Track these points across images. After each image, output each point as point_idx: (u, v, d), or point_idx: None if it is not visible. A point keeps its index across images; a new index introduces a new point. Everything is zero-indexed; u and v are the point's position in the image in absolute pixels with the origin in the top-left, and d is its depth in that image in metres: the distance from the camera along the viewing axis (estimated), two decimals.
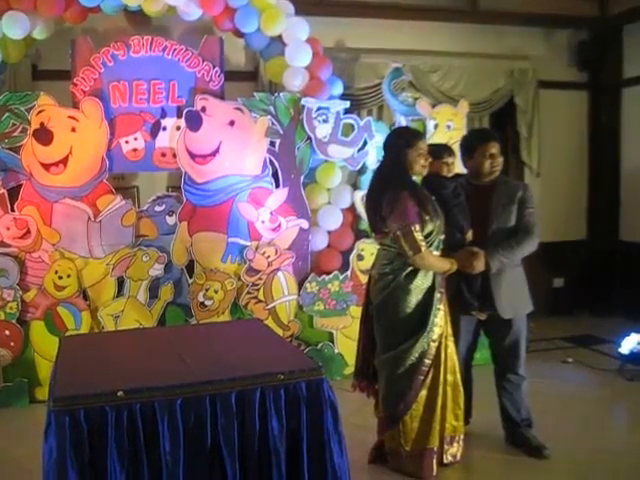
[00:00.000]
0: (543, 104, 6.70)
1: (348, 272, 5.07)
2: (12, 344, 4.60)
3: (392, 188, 3.37)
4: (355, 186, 5.20)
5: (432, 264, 3.40)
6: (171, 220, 4.88)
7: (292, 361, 2.78)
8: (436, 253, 3.44)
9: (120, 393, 2.45)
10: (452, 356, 3.53)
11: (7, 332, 4.59)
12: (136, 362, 2.90)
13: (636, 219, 6.82)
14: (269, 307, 4.97)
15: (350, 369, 4.41)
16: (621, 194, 7.01)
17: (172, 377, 2.62)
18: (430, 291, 3.41)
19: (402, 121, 5.30)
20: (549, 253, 6.31)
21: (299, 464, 2.60)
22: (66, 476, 2.38)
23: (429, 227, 3.36)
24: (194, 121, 4.80)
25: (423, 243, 3.31)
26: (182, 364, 2.82)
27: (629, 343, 5.12)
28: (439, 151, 3.81)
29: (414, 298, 3.39)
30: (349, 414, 4.00)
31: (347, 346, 4.84)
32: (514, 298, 3.72)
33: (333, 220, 5.11)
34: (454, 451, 3.61)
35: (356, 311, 4.72)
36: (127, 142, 4.85)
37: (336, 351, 5.04)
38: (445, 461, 3.58)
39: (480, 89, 6.38)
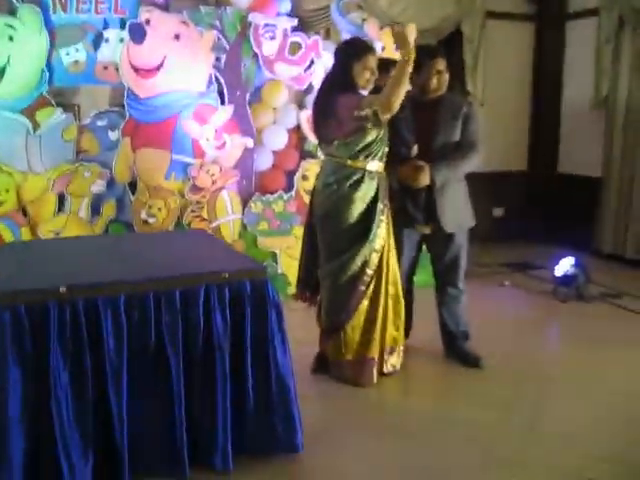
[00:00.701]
0: (490, 34, 6.72)
1: (292, 192, 5.08)
2: None
3: (341, 94, 3.37)
4: (301, 106, 5.17)
5: (399, 87, 3.21)
6: (113, 135, 4.76)
7: (236, 262, 2.80)
8: (380, 164, 3.47)
9: (62, 289, 2.43)
10: (393, 268, 3.60)
11: None
12: (79, 263, 2.87)
13: (573, 152, 6.99)
14: (213, 226, 4.95)
15: (292, 289, 4.45)
16: (561, 127, 7.15)
17: (116, 275, 2.61)
18: (373, 202, 3.45)
19: None
20: (490, 182, 6.45)
21: (243, 361, 2.65)
22: (7, 371, 2.37)
23: (374, 134, 3.38)
24: (138, 33, 4.65)
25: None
26: (126, 264, 2.82)
27: (562, 266, 5.31)
28: (387, 65, 3.79)
29: (357, 208, 3.42)
30: (293, 328, 4.04)
31: (290, 266, 4.88)
32: (457, 212, 3.80)
33: (278, 140, 5.08)
34: (394, 361, 3.71)
35: (299, 231, 4.73)
36: (68, 54, 4.67)
37: (279, 271, 5.08)
38: (385, 371, 3.68)
39: (428, 16, 6.33)
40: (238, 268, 2.68)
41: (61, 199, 4.71)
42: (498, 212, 7.22)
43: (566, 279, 5.28)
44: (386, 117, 3.31)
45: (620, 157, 6.36)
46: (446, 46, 6.56)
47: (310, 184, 4.83)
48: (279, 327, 2.69)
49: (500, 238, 6.93)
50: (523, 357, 4.05)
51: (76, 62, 4.68)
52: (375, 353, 3.57)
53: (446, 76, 3.75)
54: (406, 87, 3.25)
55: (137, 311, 2.52)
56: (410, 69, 3.21)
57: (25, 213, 4.68)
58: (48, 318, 2.41)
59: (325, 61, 4.90)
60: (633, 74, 6.19)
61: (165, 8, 4.80)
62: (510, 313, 4.96)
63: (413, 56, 3.19)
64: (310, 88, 5.09)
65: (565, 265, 5.33)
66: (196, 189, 4.88)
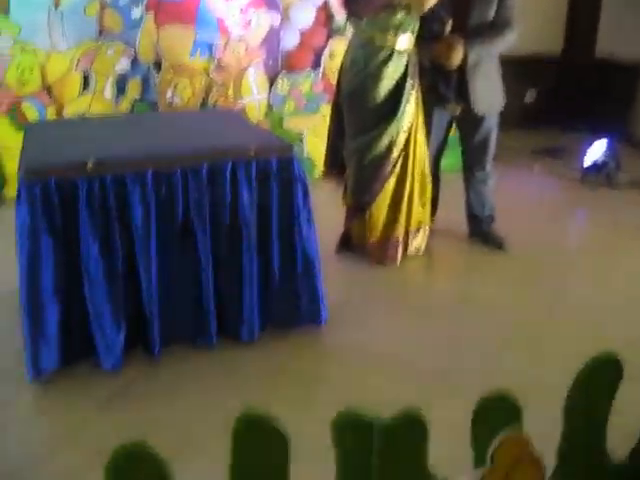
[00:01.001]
0: None
1: (320, 71, 4.97)
2: None
3: None
4: None
5: None
6: (137, 12, 4.65)
7: (263, 139, 2.78)
8: (411, 39, 3.37)
9: (90, 163, 2.44)
10: (421, 148, 3.56)
11: None
12: (106, 140, 2.86)
13: (612, 35, 6.69)
14: (238, 106, 4.88)
15: (319, 172, 4.43)
16: (602, 6, 6.82)
17: (143, 151, 2.61)
18: (402, 79, 3.37)
19: None
20: (523, 66, 6.24)
21: (269, 236, 2.68)
22: (40, 242, 2.42)
23: (404, 10, 3.26)
24: None
25: None
26: (154, 141, 2.81)
27: (593, 152, 5.22)
28: None
29: (385, 86, 3.35)
30: (317, 209, 4.08)
31: (317, 148, 4.83)
32: (489, 93, 3.71)
33: (305, 17, 4.92)
34: (418, 242, 3.73)
35: (327, 110, 4.65)
36: None
37: (305, 154, 5.05)
38: (409, 251, 3.71)
39: None
40: (265, 145, 2.66)
41: (85, 78, 4.67)
42: (530, 96, 7.02)
43: (596, 165, 5.20)
44: (418, 14, 3.20)
45: None
46: None
47: (338, 63, 4.74)
48: (305, 204, 2.71)
49: (532, 123, 6.78)
50: (546, 242, 4.05)
51: None
52: (400, 233, 3.59)
53: None
54: None
55: (164, 186, 2.54)
56: None
57: (50, 93, 4.65)
58: (77, 192, 2.44)
59: None
60: None
61: None
62: (537, 198, 4.92)
63: None
64: None
65: (596, 150, 5.23)
66: (221, 68, 4.79)
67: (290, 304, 2.79)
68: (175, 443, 2.12)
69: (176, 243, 2.61)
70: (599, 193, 5.04)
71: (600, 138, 5.37)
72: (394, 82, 3.36)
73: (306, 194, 2.71)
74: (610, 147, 5.22)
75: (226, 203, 2.59)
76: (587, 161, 5.26)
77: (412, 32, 3.36)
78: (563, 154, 6.04)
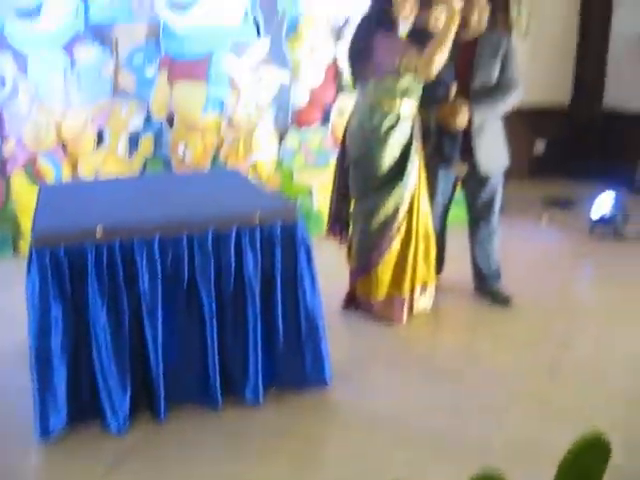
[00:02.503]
0: None
1: (329, 126, 5.07)
2: None
3: (379, 34, 3.33)
4: (338, 39, 5.09)
5: (437, 59, 3.29)
6: (150, 72, 4.79)
7: (268, 204, 2.84)
8: (415, 104, 3.44)
9: (99, 231, 2.51)
10: (425, 207, 3.61)
11: None
12: (115, 205, 2.94)
13: (620, 86, 6.77)
14: (249, 161, 4.99)
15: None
16: (608, 59, 6.92)
17: (150, 217, 2.68)
18: (408, 144, 3.44)
19: None
20: (532, 117, 6.34)
21: (273, 301, 2.72)
22: (49, 309, 2.49)
23: (409, 77, 3.34)
24: None
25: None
26: (161, 206, 2.88)
27: (601, 204, 5.24)
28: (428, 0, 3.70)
29: (392, 151, 3.42)
30: (325, 264, 4.12)
31: (326, 203, 4.83)
32: (494, 152, 3.78)
33: (315, 74, 5.04)
34: (425, 300, 3.76)
35: None
36: None
37: (315, 208, 5.12)
38: (415, 309, 3.74)
39: None
40: (269, 210, 2.72)
41: (100, 135, 4.80)
42: (539, 147, 7.09)
43: (604, 217, 5.22)
44: (423, 80, 3.29)
45: None
46: None
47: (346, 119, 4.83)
48: (309, 267, 2.75)
49: (540, 174, 6.86)
50: (554, 296, 4.07)
51: None
52: (406, 292, 3.62)
53: (487, 13, 3.67)
54: (448, 50, 3.26)
55: (171, 252, 2.60)
56: (454, 29, 3.24)
57: (65, 149, 4.77)
58: (86, 259, 2.51)
59: None
60: None
61: None
62: (545, 251, 4.95)
63: (458, 18, 3.23)
64: (347, 22, 5.01)
65: (604, 202, 5.26)
66: (232, 124, 4.90)
67: (295, 366, 2.82)
68: None
69: (182, 307, 2.66)
70: (607, 245, 5.05)
71: (608, 189, 5.40)
72: (400, 147, 3.43)
73: (310, 258, 2.76)
74: (618, 199, 5.24)
75: (231, 268, 2.64)
76: (595, 213, 5.29)
77: (416, 98, 3.44)
78: (571, 205, 6.09)
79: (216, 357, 2.69)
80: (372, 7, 3.47)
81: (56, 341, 2.51)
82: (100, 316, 2.54)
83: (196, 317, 2.67)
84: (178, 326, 2.67)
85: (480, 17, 3.66)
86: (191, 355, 2.71)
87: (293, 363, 2.83)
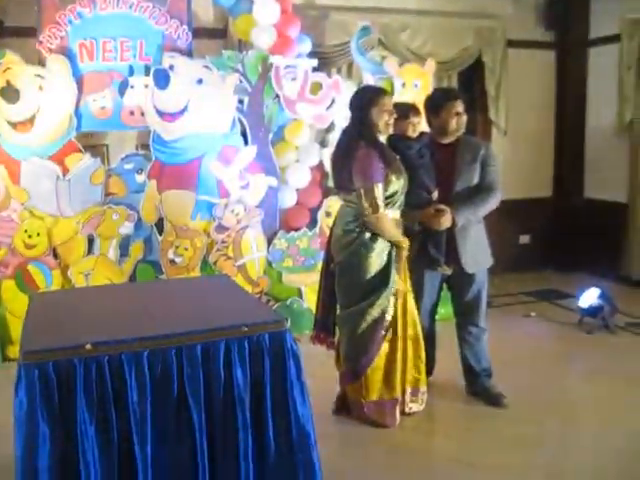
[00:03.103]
0: (511, 63, 6.75)
1: (316, 229, 5.16)
2: None
3: (361, 146, 3.43)
4: (323, 144, 5.26)
5: (386, 229, 3.45)
6: (140, 178, 4.91)
7: (256, 314, 2.86)
8: (397, 212, 3.53)
9: (88, 346, 2.52)
10: (412, 310, 3.65)
11: None
12: (104, 317, 2.95)
13: (600, 177, 6.95)
14: (238, 264, 5.04)
15: None
16: (586, 153, 7.13)
17: (139, 330, 2.69)
18: (391, 250, 3.50)
19: (370, 79, 5.33)
20: (516, 210, 6.46)
21: (263, 412, 2.69)
22: (37, 428, 2.46)
23: (394, 186, 3.44)
24: (162, 79, 4.80)
25: (382, 204, 3.39)
26: (149, 317, 2.89)
27: (588, 297, 5.29)
28: (405, 110, 3.85)
29: (377, 258, 3.47)
30: (316, 366, 4.11)
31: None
32: (477, 253, 3.84)
33: (301, 177, 5.18)
34: (416, 403, 3.74)
35: None
36: (95, 100, 4.83)
37: (305, 306, 5.15)
38: (407, 411, 3.71)
39: (448, 47, 6.41)
40: (257, 321, 2.74)
41: (90, 241, 4.86)
42: (524, 239, 7.21)
43: (592, 309, 5.26)
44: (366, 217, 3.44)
45: None
46: (468, 76, 6.68)
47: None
48: (298, 377, 2.74)
49: (527, 266, 6.94)
50: (547, 394, 4.04)
51: (103, 108, 4.85)
52: (397, 394, 3.61)
53: (464, 118, 3.81)
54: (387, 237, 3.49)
55: (160, 365, 2.59)
56: (400, 244, 3.53)
57: (56, 255, 4.83)
58: (74, 374, 2.50)
59: (346, 99, 4.98)
60: None
61: (188, 54, 4.94)
62: (535, 346, 4.95)
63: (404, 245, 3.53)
64: (332, 126, 5.19)
65: (591, 294, 5.31)
66: (221, 228, 4.98)
67: (286, 478, 2.78)
68: None
69: (171, 421, 2.63)
70: (597, 338, 5.07)
71: (595, 279, 5.47)
72: (385, 254, 3.49)
73: (299, 367, 2.75)
74: (604, 291, 5.29)
75: (220, 380, 2.63)
76: (583, 304, 5.33)
77: (399, 207, 3.53)
78: (559, 297, 6.15)
79: (207, 471, 2.64)
80: (352, 120, 3.59)
81: (43, 461, 2.46)
82: (88, 432, 2.50)
83: (186, 430, 2.63)
84: (167, 440, 2.62)
85: (458, 122, 3.79)
86: (181, 470, 2.65)
87: (285, 474, 2.77)
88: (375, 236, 3.47)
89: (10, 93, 4.59)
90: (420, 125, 3.96)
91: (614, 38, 6.50)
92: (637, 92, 6.33)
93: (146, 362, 2.57)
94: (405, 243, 3.52)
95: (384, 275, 3.48)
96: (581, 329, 5.22)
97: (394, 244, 3.50)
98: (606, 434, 3.53)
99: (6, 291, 4.71)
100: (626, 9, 6.29)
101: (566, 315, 5.57)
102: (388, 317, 3.51)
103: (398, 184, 3.46)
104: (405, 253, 3.52)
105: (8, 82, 4.59)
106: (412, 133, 3.86)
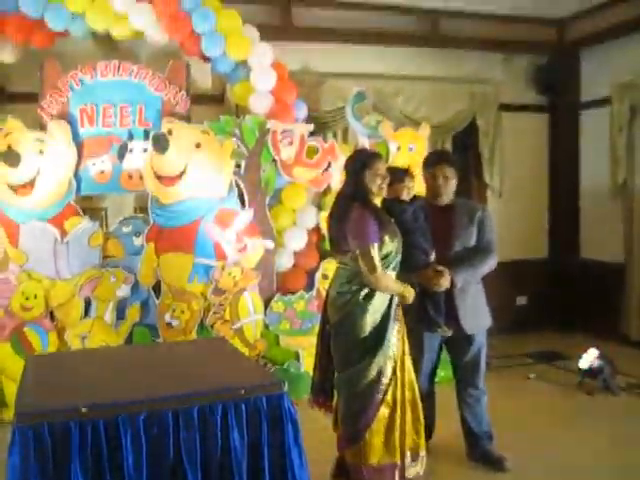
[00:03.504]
0: (504, 126, 6.89)
1: (313, 291, 5.16)
2: None
3: (355, 208, 3.46)
4: (320, 207, 5.30)
5: (387, 286, 3.46)
6: (138, 241, 4.93)
7: (253, 377, 2.85)
8: (392, 274, 3.54)
9: (84, 409, 2.50)
10: (409, 373, 3.61)
11: None
12: (100, 379, 2.94)
13: (595, 237, 7.01)
14: (235, 327, 5.03)
15: None
16: (581, 213, 7.21)
17: (135, 393, 2.68)
18: (387, 311, 3.49)
19: (365, 143, 5.42)
20: (512, 271, 6.49)
21: (260, 476, 2.66)
22: None
23: (388, 247, 3.45)
24: (161, 144, 4.87)
25: (379, 264, 3.40)
26: (146, 380, 2.88)
27: (587, 358, 5.26)
28: (400, 174, 3.88)
29: (371, 317, 3.45)
30: (315, 430, 4.06)
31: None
32: (476, 314, 3.85)
33: (298, 240, 5.21)
34: (416, 467, 3.66)
35: None
36: (94, 164, 4.91)
37: (302, 370, 5.11)
38: (408, 476, 3.64)
39: (442, 111, 6.55)
40: (255, 384, 2.73)
41: (87, 303, 4.85)
42: (521, 300, 7.21)
43: (591, 371, 5.22)
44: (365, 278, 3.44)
45: None
46: (462, 140, 6.79)
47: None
48: (295, 441, 2.71)
49: (524, 327, 6.92)
50: (549, 457, 3.99)
51: (102, 172, 4.92)
52: (396, 459, 3.54)
53: (452, 181, 3.85)
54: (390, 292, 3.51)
55: (156, 428, 2.57)
56: (404, 295, 3.54)
57: (52, 318, 4.81)
58: (70, 437, 2.47)
59: (341, 163, 5.05)
60: None
61: (187, 119, 5.03)
62: (535, 408, 4.89)
63: (409, 293, 3.53)
64: (328, 189, 5.24)
65: (590, 355, 5.28)
66: (218, 291, 4.98)
67: None
68: None
69: None
70: (597, 399, 5.03)
71: (593, 339, 5.44)
72: (380, 314, 3.48)
73: (296, 429, 2.73)
74: (602, 352, 5.27)
75: (217, 443, 2.61)
76: (582, 365, 5.29)
77: (394, 268, 3.54)
78: (558, 358, 6.11)
79: None
80: (346, 182, 3.64)
81: None
82: None
83: None
84: None
85: (445, 186, 3.83)
86: None
87: None
88: (369, 297, 3.46)
89: (11, 157, 4.66)
90: (414, 189, 3.99)
91: (605, 101, 6.65)
92: (629, 153, 6.44)
93: (142, 425, 2.55)
94: (410, 292, 3.53)
95: (379, 335, 3.46)
96: (581, 390, 5.18)
97: (399, 297, 3.53)
98: None
99: (2, 354, 4.68)
100: (616, 73, 6.46)
101: (566, 376, 5.53)
102: (385, 380, 3.48)
103: (392, 245, 3.48)
104: (412, 300, 3.55)
105: (9, 146, 4.67)
106: (406, 197, 3.89)
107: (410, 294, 3.54)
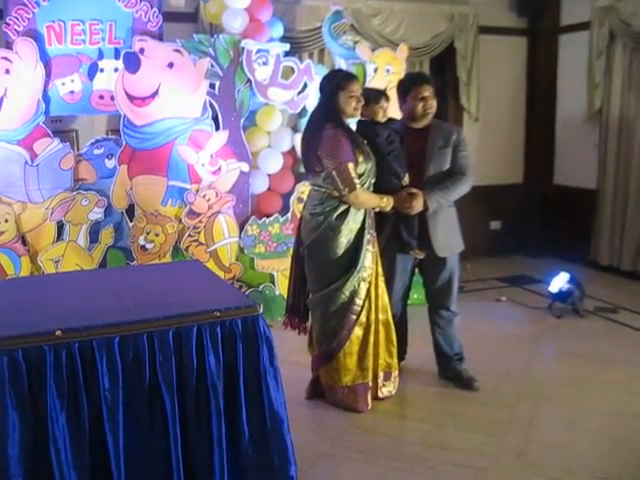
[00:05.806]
0: (483, 49, 6.78)
1: (289, 214, 5.15)
2: None
3: (327, 128, 3.43)
4: (295, 129, 5.23)
5: (366, 201, 3.48)
6: (110, 163, 4.84)
7: (228, 299, 2.84)
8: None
9: (58, 332, 2.48)
10: (383, 295, 3.66)
11: None
12: (74, 302, 2.92)
13: (568, 165, 7.03)
14: (210, 250, 5.01)
15: None
16: (556, 139, 7.19)
17: (110, 316, 2.66)
18: (360, 232, 3.51)
19: (342, 64, 5.31)
20: (487, 196, 6.51)
21: (236, 398, 2.69)
22: (6, 415, 2.42)
23: (362, 167, 3.44)
24: (132, 63, 4.72)
25: (357, 180, 3.39)
26: (120, 303, 2.86)
27: (558, 282, 5.35)
28: (375, 95, 3.84)
29: (344, 238, 3.48)
30: (290, 352, 4.14)
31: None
32: (449, 237, 3.87)
33: (273, 163, 5.15)
34: (389, 387, 3.77)
35: None
36: (64, 84, 4.75)
37: (277, 292, 5.14)
38: (380, 395, 3.74)
39: (421, 33, 6.42)
40: (230, 306, 2.71)
41: (60, 227, 4.79)
42: (495, 225, 7.26)
43: (561, 294, 5.33)
44: (344, 197, 3.43)
45: (614, 169, 6.41)
46: (440, 63, 6.69)
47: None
48: (271, 363, 2.73)
49: (498, 251, 7.01)
50: (517, 377, 4.11)
51: (72, 92, 4.77)
52: (368, 379, 3.63)
53: (433, 102, 3.80)
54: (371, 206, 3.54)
55: (131, 351, 2.56)
56: (383, 207, 3.59)
57: (24, 242, 4.75)
58: (45, 361, 2.46)
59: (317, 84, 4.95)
60: (625, 88, 6.24)
61: (159, 37, 4.87)
62: (505, 330, 5.00)
63: (388, 204, 3.60)
64: (304, 111, 5.15)
65: (561, 279, 5.37)
66: (193, 214, 4.94)
67: (260, 464, 2.76)
68: None
69: (143, 407, 2.60)
70: (566, 322, 5.15)
71: (564, 263, 5.52)
72: (353, 235, 3.49)
73: (272, 352, 2.75)
74: (574, 276, 5.36)
75: (193, 366, 2.62)
76: (553, 289, 5.40)
77: (367, 189, 3.52)
78: (529, 281, 6.21)
79: (180, 458, 2.62)
80: (320, 103, 3.59)
81: (13, 449, 2.43)
82: (59, 420, 2.47)
83: (158, 417, 2.61)
84: (140, 427, 2.60)
85: (424, 107, 3.77)
86: (154, 457, 2.63)
87: (259, 459, 2.77)
88: (342, 218, 3.46)
89: None
90: (388, 110, 3.95)
91: (585, 25, 6.55)
92: (606, 79, 6.39)
93: (117, 348, 2.54)
94: (390, 201, 3.56)
95: (352, 258, 3.49)
96: (551, 313, 5.28)
97: (380, 211, 3.56)
98: (576, 416, 3.58)
99: None
100: None
101: (536, 300, 5.64)
102: (359, 301, 3.52)
103: (365, 166, 3.46)
104: (390, 210, 3.60)
105: None
106: (382, 118, 3.84)
107: (389, 203, 3.54)
